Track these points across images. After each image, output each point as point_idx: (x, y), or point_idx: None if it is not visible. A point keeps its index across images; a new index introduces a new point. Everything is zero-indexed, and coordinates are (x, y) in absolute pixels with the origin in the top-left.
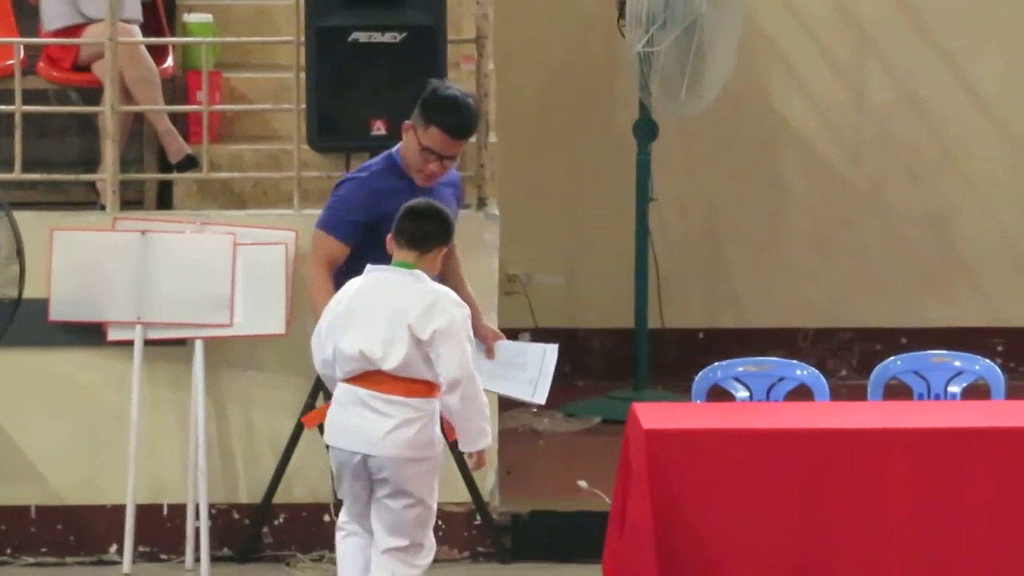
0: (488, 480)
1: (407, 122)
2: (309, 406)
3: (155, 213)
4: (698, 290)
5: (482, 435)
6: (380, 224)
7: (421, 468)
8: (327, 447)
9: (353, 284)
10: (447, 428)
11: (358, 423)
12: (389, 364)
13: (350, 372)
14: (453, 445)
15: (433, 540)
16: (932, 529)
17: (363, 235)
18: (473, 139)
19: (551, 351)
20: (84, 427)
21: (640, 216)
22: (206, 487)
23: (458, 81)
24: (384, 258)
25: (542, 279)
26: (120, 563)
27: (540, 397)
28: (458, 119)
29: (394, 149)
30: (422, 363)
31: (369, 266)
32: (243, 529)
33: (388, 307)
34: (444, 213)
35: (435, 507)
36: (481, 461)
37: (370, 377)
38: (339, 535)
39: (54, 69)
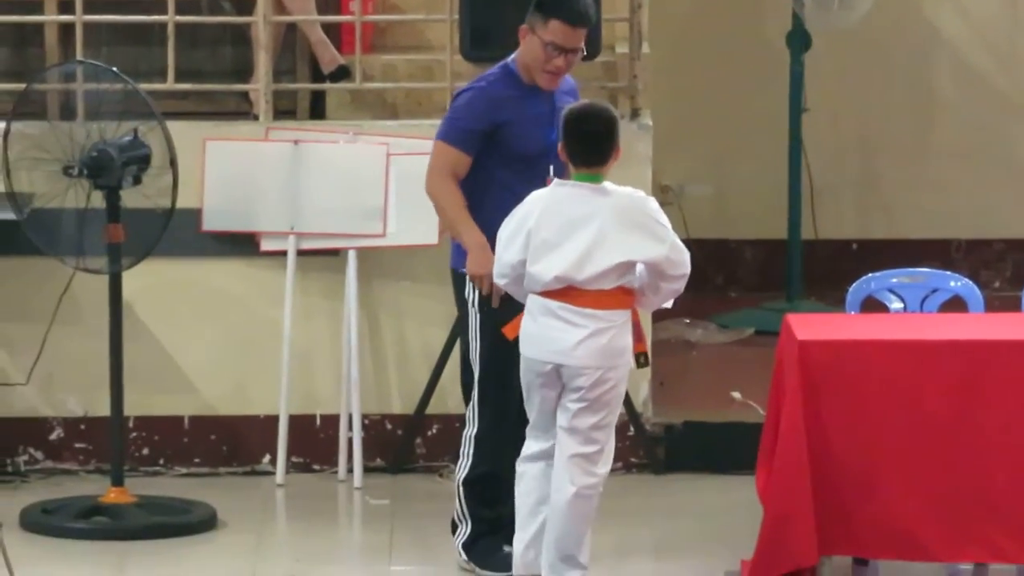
0: (641, 391)
1: (523, 27)
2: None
3: (308, 123)
4: (851, 201)
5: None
6: (498, 131)
7: (612, 375)
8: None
9: (536, 201)
10: (635, 337)
11: (549, 333)
12: (581, 279)
13: (541, 289)
14: (638, 356)
15: (613, 446)
16: None
17: (483, 144)
18: (625, 50)
19: None
20: (237, 338)
21: (793, 127)
22: (359, 398)
23: None
24: (506, 167)
25: (695, 189)
26: (273, 473)
27: None
28: (576, 6)
29: (509, 59)
30: (615, 275)
31: (555, 182)
32: (396, 440)
33: (578, 227)
34: (606, 115)
35: (617, 414)
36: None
37: (561, 290)
38: (520, 471)
39: None
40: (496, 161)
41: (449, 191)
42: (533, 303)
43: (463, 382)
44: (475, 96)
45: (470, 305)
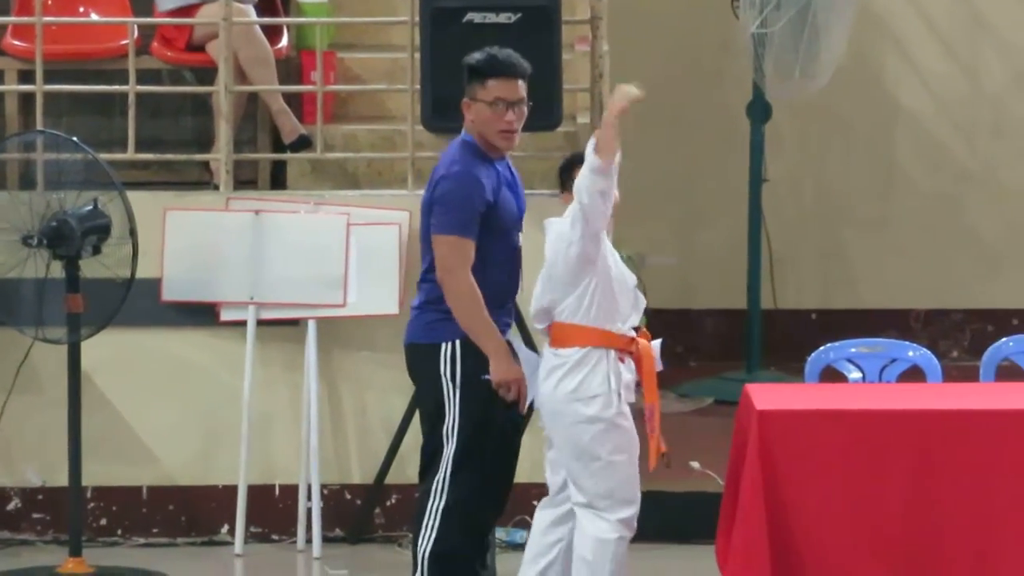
0: None
1: (464, 101)
2: None
3: (269, 193)
4: (811, 271)
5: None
6: (489, 209)
7: (572, 420)
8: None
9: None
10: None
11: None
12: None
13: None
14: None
15: (629, 495)
16: None
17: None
18: (586, 120)
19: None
20: (196, 408)
21: (753, 197)
22: (318, 467)
23: (573, 63)
24: (493, 242)
25: (655, 260)
26: (231, 543)
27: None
28: (504, 60)
29: (464, 136)
30: (562, 304)
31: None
32: (355, 510)
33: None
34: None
35: (617, 460)
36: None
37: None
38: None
39: (168, 49)
40: (483, 239)
41: (477, 292)
42: None
43: (426, 454)
44: (465, 180)
45: (447, 380)
